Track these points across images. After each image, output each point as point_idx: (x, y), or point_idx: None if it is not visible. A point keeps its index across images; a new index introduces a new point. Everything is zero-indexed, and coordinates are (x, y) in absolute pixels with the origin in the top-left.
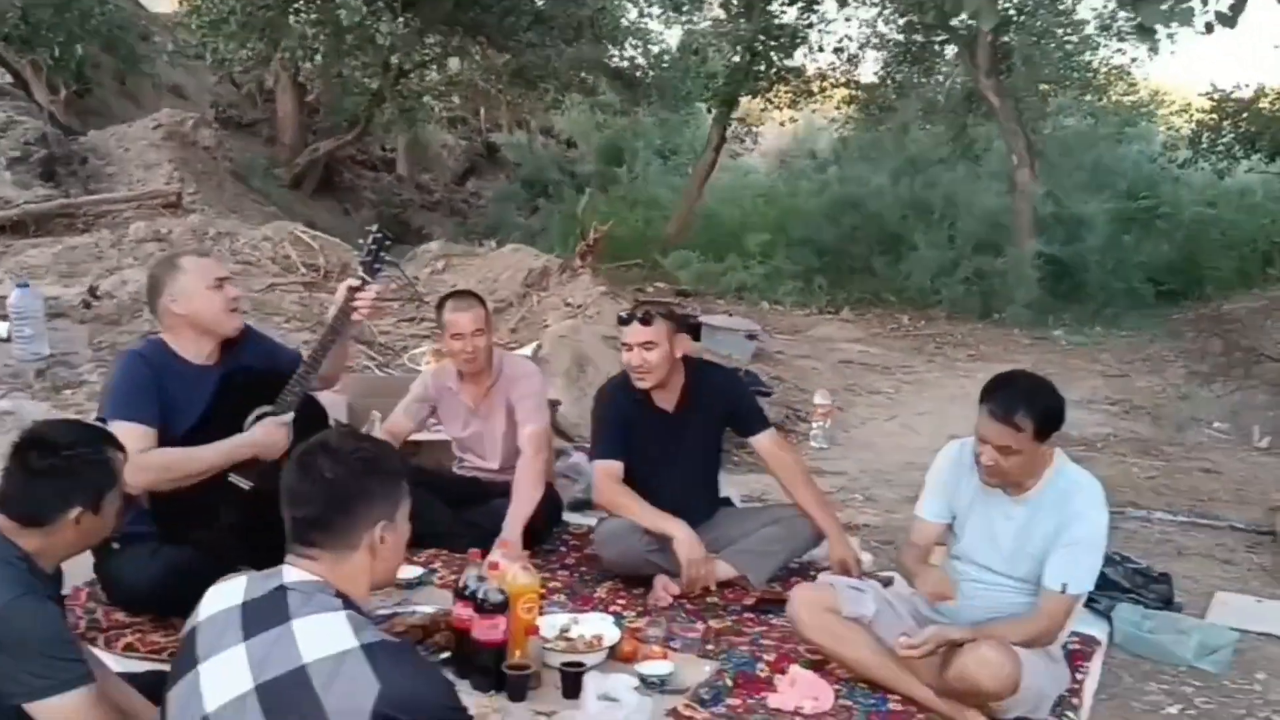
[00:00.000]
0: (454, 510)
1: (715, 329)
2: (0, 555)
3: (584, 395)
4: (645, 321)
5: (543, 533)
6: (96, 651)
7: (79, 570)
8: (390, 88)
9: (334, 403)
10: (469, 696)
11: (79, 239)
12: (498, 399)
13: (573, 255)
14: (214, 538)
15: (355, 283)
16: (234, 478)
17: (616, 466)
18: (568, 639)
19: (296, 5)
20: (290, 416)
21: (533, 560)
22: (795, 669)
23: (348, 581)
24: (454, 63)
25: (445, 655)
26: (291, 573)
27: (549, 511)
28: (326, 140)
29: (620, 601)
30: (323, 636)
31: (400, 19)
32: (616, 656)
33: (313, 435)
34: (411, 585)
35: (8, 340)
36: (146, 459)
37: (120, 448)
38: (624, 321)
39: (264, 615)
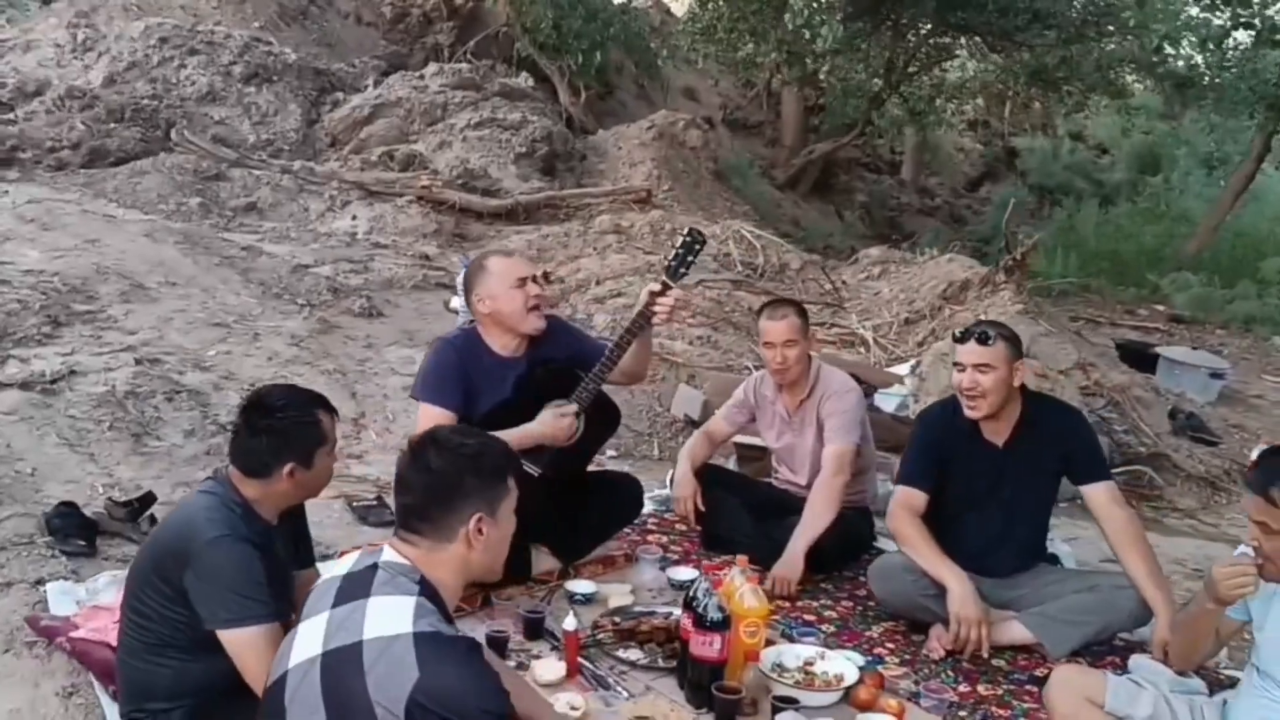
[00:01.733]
0: (758, 521)
1: (1173, 363)
2: (222, 499)
3: None
4: (982, 341)
5: (836, 558)
6: None
7: None
8: (891, 91)
9: (691, 398)
10: (682, 709)
11: (554, 228)
12: (810, 412)
13: (996, 269)
14: None
15: (656, 287)
16: (525, 464)
17: (917, 496)
18: (808, 672)
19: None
20: (574, 407)
21: (822, 585)
22: None
23: (441, 569)
24: (970, 65)
25: (674, 664)
26: (388, 553)
27: (849, 536)
28: (823, 142)
29: (890, 645)
30: (385, 617)
31: (839, 23)
32: (851, 701)
33: (605, 429)
34: (684, 587)
35: (458, 313)
36: None
37: (332, 411)
38: (960, 339)
39: (353, 588)
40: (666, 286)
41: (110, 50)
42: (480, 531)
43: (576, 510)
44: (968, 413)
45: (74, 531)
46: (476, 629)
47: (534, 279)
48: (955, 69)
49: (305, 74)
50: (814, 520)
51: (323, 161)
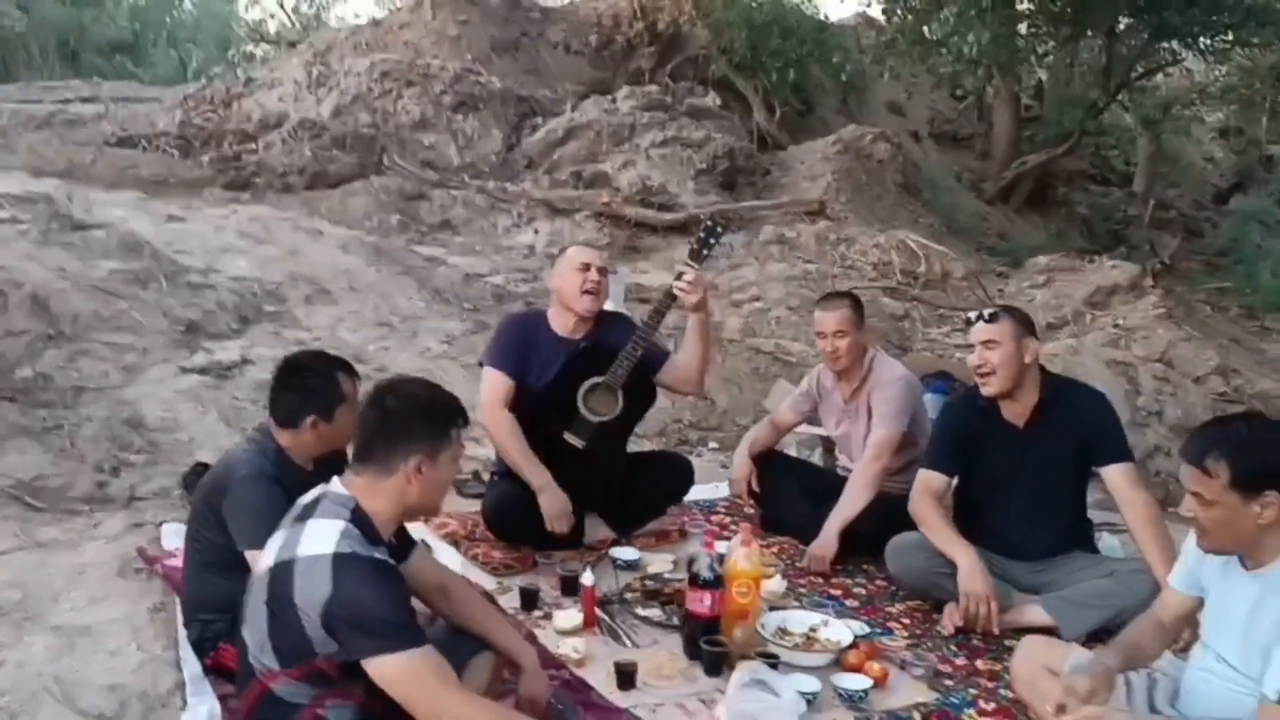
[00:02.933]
0: (813, 505)
1: None
2: (260, 446)
3: None
4: (989, 320)
5: (876, 541)
6: (443, 547)
7: None
8: (1109, 99)
9: (787, 393)
10: (680, 660)
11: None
12: (864, 401)
13: (1142, 273)
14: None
15: (682, 269)
16: (569, 436)
17: (938, 479)
18: (810, 637)
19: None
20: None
21: (864, 567)
22: None
23: (378, 500)
24: (1208, 69)
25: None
26: (335, 485)
27: (891, 521)
28: (1037, 153)
29: (906, 620)
30: (316, 538)
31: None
32: (840, 664)
33: (641, 407)
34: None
35: None
36: (494, 418)
37: (353, 374)
38: (969, 323)
39: (304, 513)
40: (689, 267)
41: (340, 85)
42: (420, 471)
43: (627, 484)
44: (983, 390)
45: None
46: (517, 582)
47: (597, 268)
48: (1198, 73)
49: (509, 101)
50: (849, 502)
51: (518, 181)
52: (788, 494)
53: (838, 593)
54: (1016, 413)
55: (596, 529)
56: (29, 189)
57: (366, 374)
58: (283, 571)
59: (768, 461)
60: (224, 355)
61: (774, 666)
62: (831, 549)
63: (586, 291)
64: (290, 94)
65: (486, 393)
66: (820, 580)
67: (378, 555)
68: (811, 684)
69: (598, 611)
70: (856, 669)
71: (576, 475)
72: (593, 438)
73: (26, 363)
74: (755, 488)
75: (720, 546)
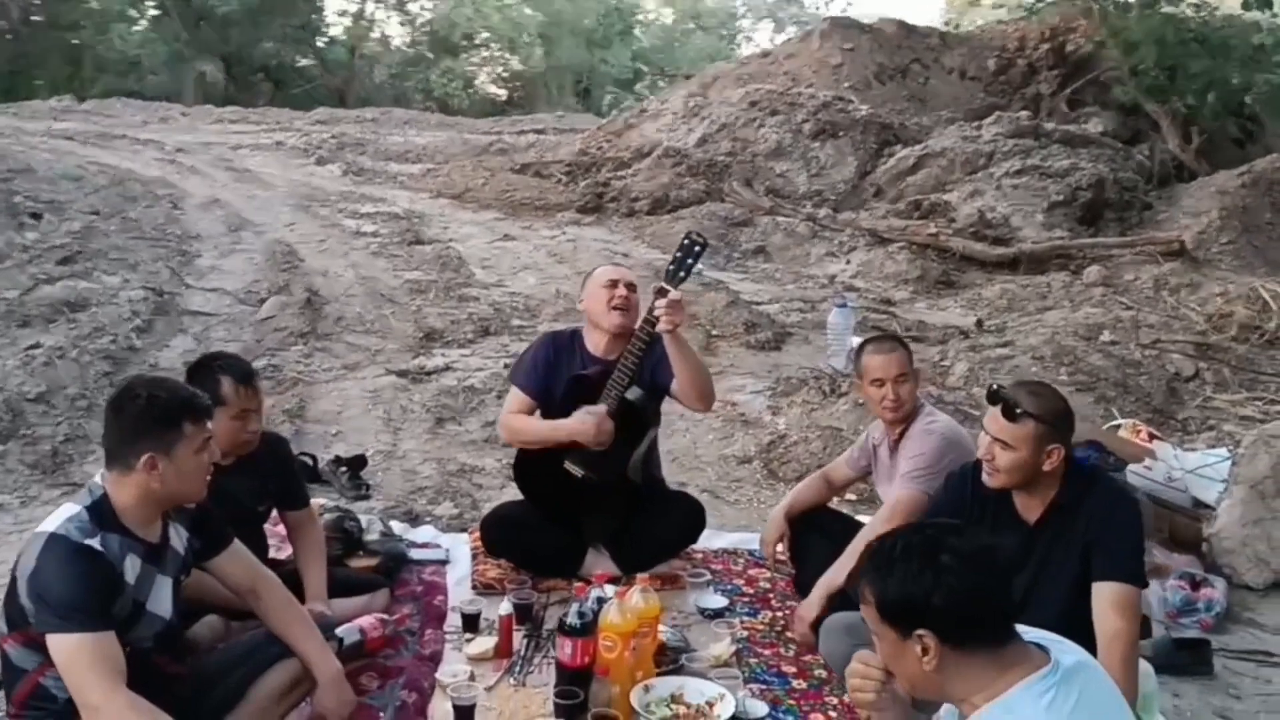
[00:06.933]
0: None
1: None
2: None
3: (1272, 517)
4: (1008, 413)
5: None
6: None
7: None
8: None
9: None
10: (548, 707)
11: (1043, 278)
12: (899, 454)
13: None
14: (547, 503)
15: (660, 288)
16: (569, 464)
17: None
18: (701, 711)
19: None
20: (603, 409)
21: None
22: None
23: (124, 493)
24: None
25: None
26: (95, 477)
27: None
28: None
29: (833, 714)
30: (51, 518)
31: None
32: None
33: (636, 433)
34: (707, 614)
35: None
36: (507, 427)
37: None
38: (990, 400)
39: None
40: (665, 290)
41: (710, 115)
42: (155, 467)
43: (635, 521)
44: (985, 479)
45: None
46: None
47: (625, 284)
48: None
49: (870, 129)
50: (841, 564)
51: (864, 210)
52: (818, 554)
53: (791, 670)
54: (1029, 506)
55: (598, 563)
56: (407, 208)
57: None
58: (26, 544)
59: (805, 521)
60: (433, 362)
61: None
62: (811, 612)
63: (615, 307)
64: (667, 125)
65: (505, 409)
66: (785, 648)
67: (90, 542)
68: None
69: (519, 644)
70: None
71: (580, 505)
72: (590, 466)
73: (265, 355)
74: (787, 553)
75: (702, 600)
